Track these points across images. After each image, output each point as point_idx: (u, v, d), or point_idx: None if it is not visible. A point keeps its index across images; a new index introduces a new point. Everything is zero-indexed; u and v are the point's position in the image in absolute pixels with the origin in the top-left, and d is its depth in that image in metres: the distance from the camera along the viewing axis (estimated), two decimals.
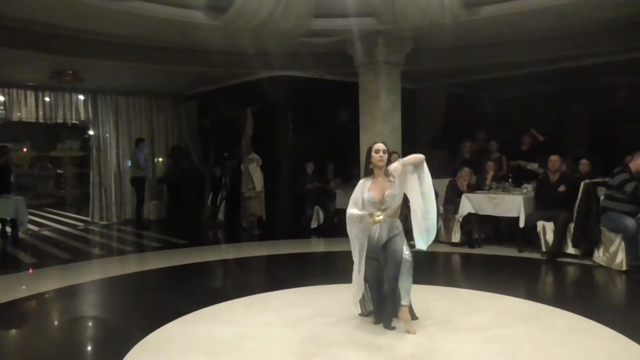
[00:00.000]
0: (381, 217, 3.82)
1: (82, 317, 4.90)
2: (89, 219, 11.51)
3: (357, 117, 7.95)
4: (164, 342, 3.92)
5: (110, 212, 11.38)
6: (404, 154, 7.57)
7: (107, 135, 11.35)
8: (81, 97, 10.97)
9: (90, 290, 5.83)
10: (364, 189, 3.96)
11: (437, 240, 7.71)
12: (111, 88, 11.02)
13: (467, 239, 7.46)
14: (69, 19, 6.65)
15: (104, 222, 11.22)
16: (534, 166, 8.26)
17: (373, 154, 3.95)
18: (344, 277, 6.06)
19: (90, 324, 4.74)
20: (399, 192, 3.93)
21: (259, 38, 7.50)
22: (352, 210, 3.95)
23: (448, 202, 7.70)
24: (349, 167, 9.34)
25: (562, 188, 6.67)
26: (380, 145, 3.96)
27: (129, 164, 11.23)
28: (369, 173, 4.02)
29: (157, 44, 7.96)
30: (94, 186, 11.33)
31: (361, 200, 3.94)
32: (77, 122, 11.57)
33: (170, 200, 11.88)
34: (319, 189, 9.52)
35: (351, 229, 3.99)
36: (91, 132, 11.46)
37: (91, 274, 6.47)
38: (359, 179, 8.59)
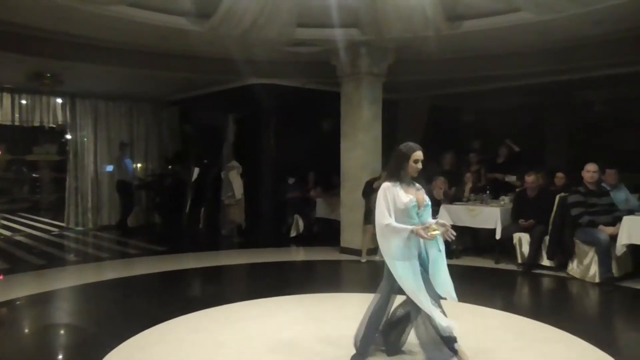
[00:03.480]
0: (438, 232, 3.27)
1: (54, 325, 4.80)
2: (64, 224, 11.30)
3: (339, 126, 7.99)
4: (138, 350, 3.86)
5: (86, 217, 11.18)
6: (385, 165, 7.66)
7: (86, 139, 11.18)
8: (59, 100, 10.79)
9: (64, 297, 5.71)
10: (395, 194, 3.37)
11: None
12: (91, 92, 10.87)
13: (446, 250, 7.50)
14: (49, 21, 6.55)
15: (80, 228, 11.02)
16: (511, 178, 8.39)
17: (412, 163, 3.42)
18: (323, 286, 6.07)
19: (62, 331, 4.65)
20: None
21: (243, 45, 7.50)
22: (393, 223, 3.28)
23: None
24: (330, 176, 9.37)
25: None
26: (420, 155, 3.46)
27: (111, 169, 11.09)
28: (396, 179, 3.45)
29: (138, 49, 7.88)
30: (70, 191, 11.13)
31: (393, 208, 3.34)
32: (54, 126, 11.37)
33: (149, 206, 11.75)
34: (299, 197, 9.51)
35: (391, 246, 3.28)
36: (69, 136, 11.27)
37: (65, 280, 6.34)
38: (339, 188, 8.57)
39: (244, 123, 9.82)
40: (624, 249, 5.76)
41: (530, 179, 6.87)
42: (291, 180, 9.54)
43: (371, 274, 6.87)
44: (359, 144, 7.63)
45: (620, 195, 6.54)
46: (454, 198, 7.79)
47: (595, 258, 5.91)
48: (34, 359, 3.88)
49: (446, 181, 7.92)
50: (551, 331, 4.26)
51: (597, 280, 5.87)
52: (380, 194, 3.38)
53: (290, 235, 9.32)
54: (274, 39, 7.04)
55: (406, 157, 3.44)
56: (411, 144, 3.51)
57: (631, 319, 5.10)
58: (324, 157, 9.15)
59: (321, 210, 9.21)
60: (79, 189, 11.11)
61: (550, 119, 11.44)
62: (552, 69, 8.33)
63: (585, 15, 6.06)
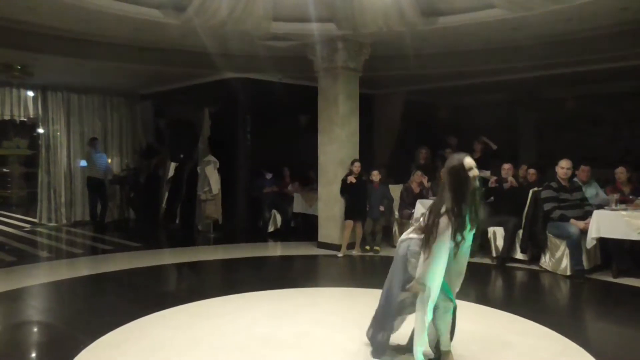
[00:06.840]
0: None
1: (26, 322, 4.70)
2: (36, 220, 11.06)
3: (315, 121, 7.99)
4: (112, 347, 3.82)
5: (59, 213, 10.96)
6: (362, 159, 7.71)
7: (58, 133, 10.95)
8: (30, 93, 10.54)
9: (36, 294, 5.60)
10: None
11: (391, 245, 7.91)
12: (62, 84, 10.64)
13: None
14: (18, 11, 6.39)
15: (53, 224, 10.81)
16: (486, 173, 8.50)
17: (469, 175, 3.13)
18: (300, 281, 6.07)
19: (35, 328, 4.55)
20: None
21: (218, 39, 7.43)
22: None
23: (403, 207, 7.83)
24: (307, 170, 9.37)
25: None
26: (472, 161, 3.19)
27: (84, 164, 10.89)
28: (461, 205, 3.27)
29: (110, 41, 7.71)
30: (43, 186, 10.90)
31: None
32: (25, 119, 11.11)
33: (123, 201, 11.59)
34: (276, 192, 9.49)
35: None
36: (40, 130, 11.02)
37: (37, 277, 6.21)
38: (316, 183, 8.57)
39: (219, 117, 9.73)
40: (594, 242, 5.90)
41: (507, 165, 7.01)
42: (268, 175, 9.51)
43: (348, 268, 6.91)
44: (336, 138, 7.64)
45: (591, 190, 6.72)
46: (430, 192, 7.87)
47: (567, 251, 6.05)
48: (4, 357, 3.79)
49: (424, 175, 8.00)
50: (523, 322, 4.35)
51: (568, 272, 6.01)
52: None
53: (268, 230, 9.29)
54: (249, 32, 6.99)
55: (462, 170, 3.06)
56: (455, 154, 3.16)
57: (600, 310, 5.25)
58: (301, 151, 9.13)
59: (298, 205, 9.21)
60: (51, 184, 10.89)
61: (522, 115, 11.66)
62: (525, 66, 8.47)
63: (556, 13, 6.18)
